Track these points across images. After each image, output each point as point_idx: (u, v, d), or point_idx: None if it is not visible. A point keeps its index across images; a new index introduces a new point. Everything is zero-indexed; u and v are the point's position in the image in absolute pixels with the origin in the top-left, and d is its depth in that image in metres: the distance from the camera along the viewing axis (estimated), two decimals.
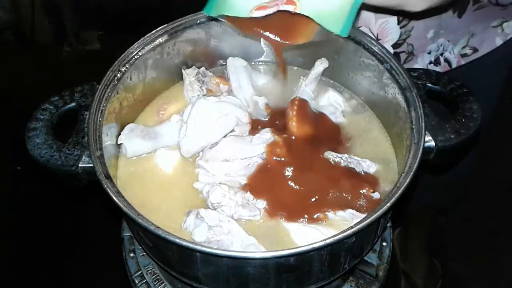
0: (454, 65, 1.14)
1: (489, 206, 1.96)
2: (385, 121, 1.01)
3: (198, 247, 0.74)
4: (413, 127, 0.87)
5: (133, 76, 0.99)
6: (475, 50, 1.13)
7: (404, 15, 1.04)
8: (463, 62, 1.14)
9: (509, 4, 1.09)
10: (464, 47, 1.12)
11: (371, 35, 1.06)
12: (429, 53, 1.12)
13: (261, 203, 0.89)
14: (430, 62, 1.13)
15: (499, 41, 1.13)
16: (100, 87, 0.92)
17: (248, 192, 0.89)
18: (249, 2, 0.81)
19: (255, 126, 0.99)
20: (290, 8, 0.80)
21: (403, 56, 1.11)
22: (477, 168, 1.91)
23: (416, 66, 1.13)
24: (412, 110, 0.89)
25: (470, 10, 1.07)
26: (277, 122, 1.00)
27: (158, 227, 0.75)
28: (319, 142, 0.96)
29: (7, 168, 2.16)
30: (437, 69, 1.13)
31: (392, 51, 1.09)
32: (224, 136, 0.95)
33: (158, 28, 1.01)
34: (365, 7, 0.94)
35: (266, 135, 0.94)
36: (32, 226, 1.99)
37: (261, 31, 0.89)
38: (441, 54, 1.12)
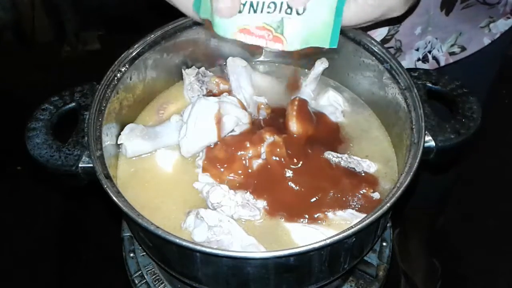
0: (442, 63, 1.15)
1: (489, 206, 1.96)
2: (385, 121, 1.01)
3: (198, 247, 0.74)
4: (413, 127, 0.87)
5: (133, 76, 0.99)
6: (463, 48, 1.14)
7: (389, 23, 1.04)
8: (451, 61, 1.15)
9: (496, 4, 1.10)
10: (452, 45, 1.13)
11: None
12: (417, 50, 1.12)
13: (261, 203, 0.89)
14: (418, 59, 1.14)
15: (487, 41, 1.14)
16: (100, 87, 0.92)
17: (248, 192, 0.89)
18: (230, 25, 0.80)
19: (255, 126, 0.99)
20: (278, 46, 0.80)
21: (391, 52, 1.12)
22: (477, 167, 1.91)
23: (404, 62, 1.13)
24: (412, 110, 0.89)
25: (458, 8, 1.07)
26: (277, 122, 1.00)
27: (158, 227, 0.75)
28: (319, 142, 0.96)
29: (7, 168, 2.16)
30: (425, 66, 1.14)
31: None
32: (224, 136, 0.95)
33: (158, 28, 1.01)
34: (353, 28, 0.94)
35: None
36: (32, 226, 1.99)
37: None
38: (429, 52, 1.13)
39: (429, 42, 1.11)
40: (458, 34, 1.12)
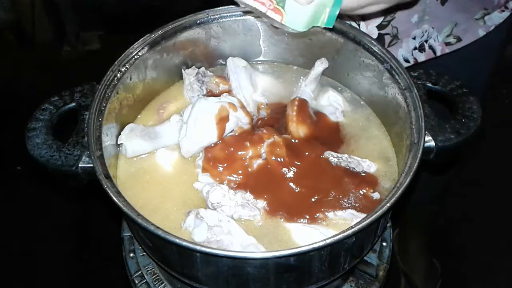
0: (438, 53, 1.15)
1: (489, 206, 1.96)
2: (385, 120, 1.01)
3: (198, 247, 0.74)
4: (413, 127, 0.87)
5: (133, 76, 0.99)
6: (459, 39, 1.14)
7: (398, 8, 1.05)
8: (447, 51, 1.15)
9: None
10: (448, 36, 1.14)
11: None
12: (414, 38, 1.13)
13: (261, 203, 0.89)
14: (415, 48, 1.14)
15: (482, 33, 1.15)
16: (100, 87, 0.92)
17: (248, 192, 0.89)
18: None
19: (255, 126, 0.99)
20: (277, 18, 0.82)
21: (387, 39, 1.12)
22: (477, 167, 1.91)
23: (401, 50, 1.14)
24: (412, 110, 0.89)
25: None
26: (277, 122, 1.00)
27: (158, 227, 0.75)
28: (319, 142, 0.96)
29: (7, 168, 2.16)
30: (422, 55, 1.15)
31: (377, 32, 1.11)
32: (224, 136, 0.95)
33: (158, 28, 1.01)
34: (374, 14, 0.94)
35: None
36: (32, 226, 1.99)
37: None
38: (426, 41, 1.14)
39: (426, 31, 1.12)
40: (453, 25, 1.12)
